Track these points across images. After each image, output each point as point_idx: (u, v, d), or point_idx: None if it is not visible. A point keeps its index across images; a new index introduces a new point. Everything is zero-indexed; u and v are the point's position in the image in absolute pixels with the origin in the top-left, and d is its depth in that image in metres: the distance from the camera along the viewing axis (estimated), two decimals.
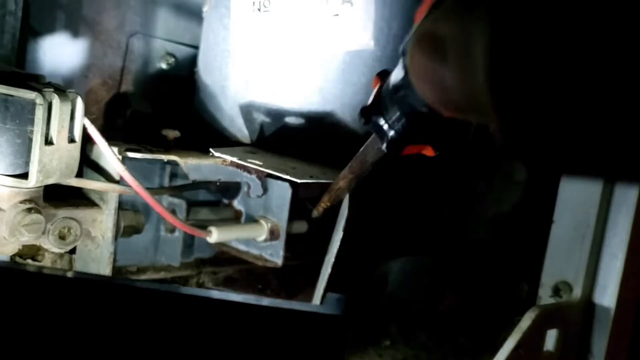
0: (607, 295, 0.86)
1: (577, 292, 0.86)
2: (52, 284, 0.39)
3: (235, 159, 0.91)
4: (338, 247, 0.80)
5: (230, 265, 1.05)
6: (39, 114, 0.73)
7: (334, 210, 0.86)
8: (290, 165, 0.90)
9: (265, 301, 0.40)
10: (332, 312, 0.38)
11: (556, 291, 0.88)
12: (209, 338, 0.38)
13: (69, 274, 0.43)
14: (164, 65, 1.13)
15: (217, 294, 0.40)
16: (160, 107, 1.12)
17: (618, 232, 0.85)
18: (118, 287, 0.40)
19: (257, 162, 0.89)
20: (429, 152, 0.60)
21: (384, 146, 0.60)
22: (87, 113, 0.81)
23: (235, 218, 1.00)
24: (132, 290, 0.40)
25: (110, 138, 0.90)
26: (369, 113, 0.60)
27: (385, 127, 0.58)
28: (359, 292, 0.96)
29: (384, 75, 0.60)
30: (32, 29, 1.01)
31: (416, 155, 0.61)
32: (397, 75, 0.55)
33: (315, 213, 0.84)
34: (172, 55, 1.13)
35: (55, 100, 0.74)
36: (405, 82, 0.53)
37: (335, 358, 0.38)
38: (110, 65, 1.08)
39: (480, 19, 0.26)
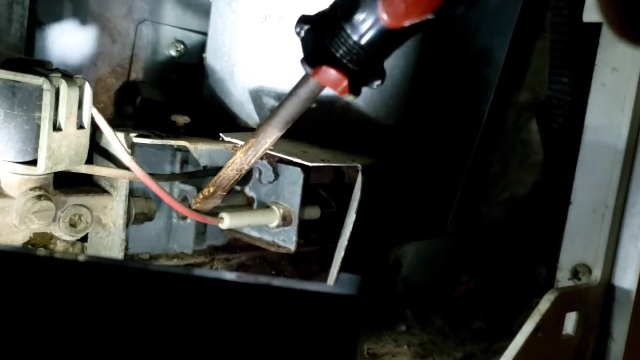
0: (627, 277, 0.84)
1: (597, 275, 0.84)
2: (64, 268, 0.39)
3: None
4: (351, 230, 0.79)
5: (243, 252, 1.04)
6: (47, 99, 0.72)
7: (346, 193, 0.84)
8: (302, 150, 0.89)
9: (278, 281, 0.39)
10: (346, 292, 0.37)
11: (575, 274, 0.86)
12: (221, 319, 0.37)
13: (81, 258, 0.42)
14: (173, 53, 1.11)
15: (229, 275, 0.39)
16: (171, 95, 1.11)
17: (638, 212, 0.83)
18: (130, 270, 0.40)
19: None
20: (344, 88, 0.58)
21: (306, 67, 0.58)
22: (96, 102, 0.80)
23: (247, 204, 0.99)
24: (143, 272, 0.39)
25: (121, 126, 0.89)
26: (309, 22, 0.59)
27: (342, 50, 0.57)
28: (373, 277, 0.95)
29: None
30: (40, 17, 1.00)
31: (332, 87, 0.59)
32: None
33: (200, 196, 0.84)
34: (181, 42, 1.12)
35: (63, 85, 0.73)
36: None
37: (350, 339, 0.37)
38: (119, 53, 1.07)
39: None
